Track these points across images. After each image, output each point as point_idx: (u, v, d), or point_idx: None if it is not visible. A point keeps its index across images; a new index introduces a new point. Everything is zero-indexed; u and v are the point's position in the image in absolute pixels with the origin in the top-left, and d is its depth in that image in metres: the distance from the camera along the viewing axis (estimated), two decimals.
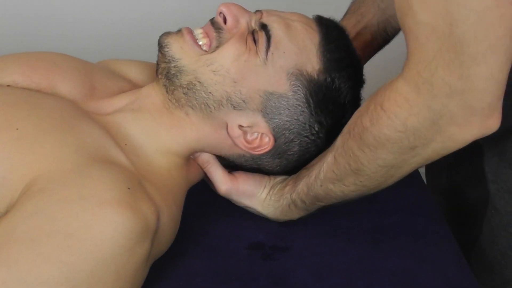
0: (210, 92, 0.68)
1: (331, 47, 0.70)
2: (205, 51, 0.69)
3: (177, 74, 0.69)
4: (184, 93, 0.69)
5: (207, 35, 0.70)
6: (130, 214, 0.55)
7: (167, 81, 0.69)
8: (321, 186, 0.66)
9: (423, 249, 0.70)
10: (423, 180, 0.85)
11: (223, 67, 0.67)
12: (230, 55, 0.67)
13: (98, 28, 1.50)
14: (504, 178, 0.73)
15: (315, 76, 0.69)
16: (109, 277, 0.54)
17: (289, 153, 0.71)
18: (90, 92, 0.73)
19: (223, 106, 0.68)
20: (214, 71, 0.67)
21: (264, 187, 0.73)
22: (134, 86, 0.79)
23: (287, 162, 0.73)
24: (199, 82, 0.68)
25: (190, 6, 1.50)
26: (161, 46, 0.70)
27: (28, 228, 0.53)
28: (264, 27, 0.69)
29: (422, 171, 0.89)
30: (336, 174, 0.64)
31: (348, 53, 0.72)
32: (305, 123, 0.70)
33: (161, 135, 0.70)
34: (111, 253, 0.54)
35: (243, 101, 0.68)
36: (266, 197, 0.73)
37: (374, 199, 0.75)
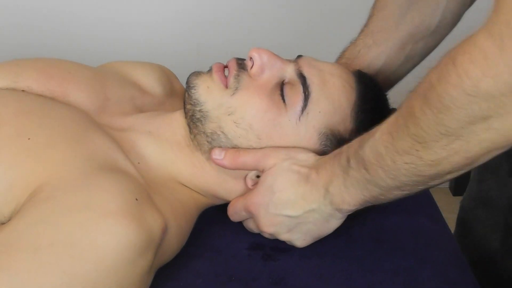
0: (235, 145, 0.66)
1: (366, 108, 0.67)
2: (225, 85, 0.66)
3: (202, 119, 0.67)
4: (207, 141, 0.67)
5: (223, 72, 0.67)
6: (134, 226, 0.55)
7: (192, 123, 0.68)
8: (372, 146, 0.56)
9: (423, 249, 0.70)
10: None
11: (244, 120, 0.65)
12: (251, 109, 0.65)
13: (101, 28, 1.50)
14: None
15: (347, 136, 0.66)
16: (110, 287, 0.54)
17: None
18: (103, 103, 0.72)
19: None
20: (236, 123, 0.65)
21: (309, 151, 0.65)
22: (143, 91, 0.79)
23: None
24: (223, 132, 0.66)
25: (192, 7, 1.50)
26: (188, 86, 0.68)
27: (31, 236, 0.53)
28: (303, 80, 0.65)
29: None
30: (392, 137, 0.53)
31: (382, 116, 0.67)
32: None
33: (180, 169, 0.69)
34: (114, 264, 0.53)
35: None
36: (311, 156, 0.64)
37: None
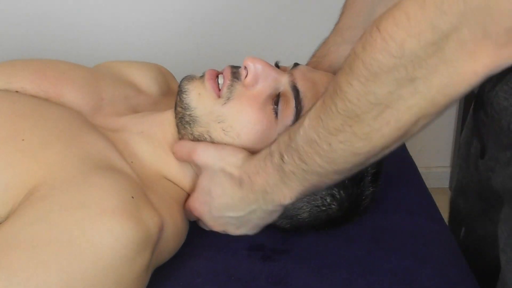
0: None
1: None
2: (217, 95, 0.66)
3: (191, 122, 0.67)
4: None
5: (216, 80, 0.67)
6: (131, 224, 0.55)
7: (180, 124, 0.68)
8: (304, 135, 0.54)
9: (423, 249, 0.70)
10: (423, 180, 0.85)
11: (232, 129, 0.65)
12: (241, 119, 0.65)
13: (100, 28, 1.50)
14: None
15: None
16: (108, 286, 0.54)
17: (299, 217, 0.68)
18: (97, 103, 0.73)
19: None
20: (224, 131, 0.65)
21: (240, 152, 0.64)
22: (139, 90, 0.79)
23: (298, 223, 0.69)
24: (210, 136, 0.66)
25: (192, 7, 1.50)
26: (180, 90, 0.68)
27: (29, 235, 0.53)
28: (296, 93, 0.64)
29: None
30: (322, 120, 0.52)
31: None
32: (316, 195, 0.66)
33: (171, 167, 0.69)
34: (111, 262, 0.53)
35: None
36: (240, 159, 0.64)
37: (374, 199, 0.75)
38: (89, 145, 0.64)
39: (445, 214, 0.79)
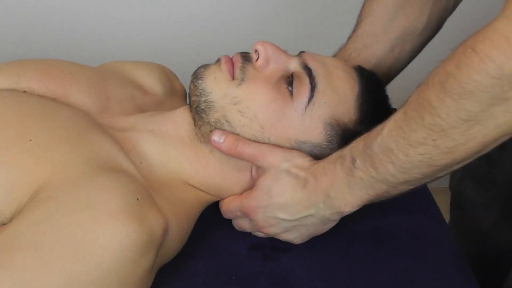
0: (238, 133, 0.66)
1: (369, 100, 0.68)
2: (232, 77, 0.66)
3: (206, 109, 0.67)
4: (211, 131, 0.67)
5: (232, 63, 0.67)
6: (136, 226, 0.55)
7: (196, 115, 0.68)
8: (381, 143, 0.56)
9: (424, 249, 0.70)
10: None
11: (249, 110, 0.65)
12: (256, 99, 0.65)
13: (101, 28, 1.50)
14: None
15: (351, 127, 0.67)
16: (112, 287, 0.54)
17: None
18: (104, 103, 0.73)
19: None
20: (241, 112, 0.65)
21: (306, 156, 0.65)
22: (144, 91, 0.79)
23: None
24: (227, 121, 0.66)
25: (192, 7, 1.50)
26: (195, 77, 0.68)
27: (33, 236, 0.53)
28: (309, 71, 0.66)
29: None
30: (403, 131, 0.54)
31: (385, 107, 0.70)
32: None
33: (183, 166, 0.69)
34: (115, 264, 0.53)
35: None
36: (308, 161, 0.64)
37: None
38: (96, 146, 0.63)
39: (445, 214, 0.79)
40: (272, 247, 0.70)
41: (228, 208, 0.70)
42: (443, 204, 0.89)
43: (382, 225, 0.74)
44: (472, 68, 0.47)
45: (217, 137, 0.66)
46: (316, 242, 0.70)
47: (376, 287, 0.65)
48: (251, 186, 0.68)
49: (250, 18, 1.54)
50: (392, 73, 0.82)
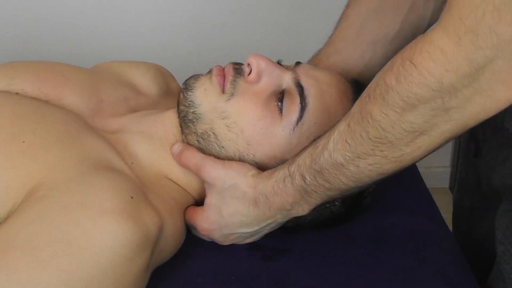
0: (223, 147, 0.66)
1: None
2: (222, 90, 0.66)
3: (194, 120, 0.66)
4: (197, 141, 0.67)
5: (223, 76, 0.66)
6: (131, 224, 0.55)
7: (184, 123, 0.68)
8: (329, 158, 0.56)
9: (423, 249, 0.70)
10: (423, 180, 0.85)
11: (236, 125, 0.64)
12: (244, 115, 0.64)
13: (101, 28, 1.50)
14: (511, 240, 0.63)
15: None
16: (107, 286, 0.54)
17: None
18: (97, 106, 0.73)
19: None
20: (228, 127, 0.65)
21: (248, 170, 0.64)
22: (138, 91, 0.79)
23: (301, 221, 0.68)
24: (213, 133, 0.66)
25: (192, 8, 1.50)
26: (186, 88, 0.67)
27: (28, 235, 0.53)
28: (300, 90, 0.64)
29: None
30: (349, 144, 0.54)
31: None
32: None
33: (172, 166, 0.69)
34: (111, 262, 0.54)
35: (256, 163, 0.66)
36: (251, 178, 0.64)
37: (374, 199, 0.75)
38: (89, 146, 0.64)
39: (445, 214, 0.79)
40: (272, 247, 0.70)
41: (187, 222, 0.69)
42: (443, 204, 0.89)
43: (382, 225, 0.74)
44: (411, 82, 0.47)
45: (175, 148, 0.68)
46: (315, 242, 0.70)
47: (375, 287, 0.65)
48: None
49: (250, 19, 1.54)
50: (362, 80, 0.79)
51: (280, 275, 0.66)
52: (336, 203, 0.67)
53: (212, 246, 0.70)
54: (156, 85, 0.82)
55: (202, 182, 0.68)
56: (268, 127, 0.64)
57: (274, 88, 0.66)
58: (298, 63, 0.69)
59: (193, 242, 0.69)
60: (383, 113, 0.50)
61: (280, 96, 0.65)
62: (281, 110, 0.65)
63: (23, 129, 0.63)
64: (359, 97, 0.54)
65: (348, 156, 0.54)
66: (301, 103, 0.64)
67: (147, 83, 0.81)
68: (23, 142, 0.61)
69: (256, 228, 0.66)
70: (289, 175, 0.60)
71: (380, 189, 0.72)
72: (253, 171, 0.64)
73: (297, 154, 0.61)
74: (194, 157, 0.66)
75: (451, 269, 0.67)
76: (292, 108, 0.64)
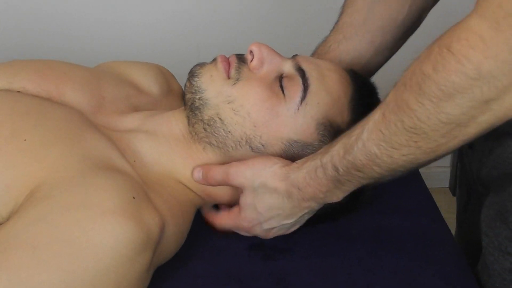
0: (229, 131, 0.66)
1: (363, 102, 0.68)
2: (227, 76, 0.67)
3: (200, 107, 0.67)
4: (204, 128, 0.67)
5: (228, 62, 0.68)
6: (132, 224, 0.55)
7: (191, 112, 0.68)
8: (363, 148, 0.55)
9: (424, 249, 0.70)
10: (423, 180, 0.85)
11: (243, 108, 0.66)
12: (250, 98, 0.66)
13: (101, 28, 1.50)
14: (496, 232, 0.63)
15: (344, 128, 0.66)
16: (109, 286, 0.54)
17: None
18: (99, 103, 0.73)
19: (241, 147, 0.67)
20: (234, 110, 0.66)
21: (274, 163, 0.64)
22: (139, 90, 0.79)
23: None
24: (220, 119, 0.66)
25: (192, 7, 1.50)
26: (191, 75, 0.69)
27: (29, 234, 0.53)
28: (302, 73, 0.66)
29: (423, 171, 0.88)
30: (384, 134, 0.53)
31: None
32: None
33: (176, 163, 0.69)
34: (112, 262, 0.54)
35: (262, 145, 0.66)
36: (279, 170, 0.64)
37: (375, 199, 0.75)
38: (90, 145, 0.64)
39: (445, 214, 0.79)
40: (272, 247, 0.70)
41: (223, 227, 0.70)
42: (443, 204, 0.89)
43: (382, 225, 0.74)
44: (449, 70, 0.46)
45: (196, 174, 0.68)
46: (316, 242, 0.70)
47: (376, 287, 0.65)
48: (238, 192, 0.68)
49: (250, 19, 1.54)
50: (372, 66, 0.81)
51: (280, 275, 0.66)
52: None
53: (212, 246, 0.70)
54: (157, 85, 0.83)
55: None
56: (273, 107, 0.66)
57: (276, 74, 0.68)
58: (295, 55, 0.71)
59: (193, 243, 0.69)
60: (419, 102, 0.49)
61: (282, 80, 0.67)
62: (284, 92, 0.66)
63: (24, 127, 0.63)
64: (394, 86, 0.53)
65: (382, 146, 0.54)
66: (303, 84, 0.66)
67: (148, 82, 0.81)
68: (25, 140, 0.61)
69: (294, 218, 0.66)
70: (321, 165, 0.60)
71: (380, 189, 0.72)
72: (280, 163, 0.65)
73: (330, 145, 0.61)
74: (218, 173, 0.67)
75: (451, 269, 0.67)
76: (295, 89, 0.66)
